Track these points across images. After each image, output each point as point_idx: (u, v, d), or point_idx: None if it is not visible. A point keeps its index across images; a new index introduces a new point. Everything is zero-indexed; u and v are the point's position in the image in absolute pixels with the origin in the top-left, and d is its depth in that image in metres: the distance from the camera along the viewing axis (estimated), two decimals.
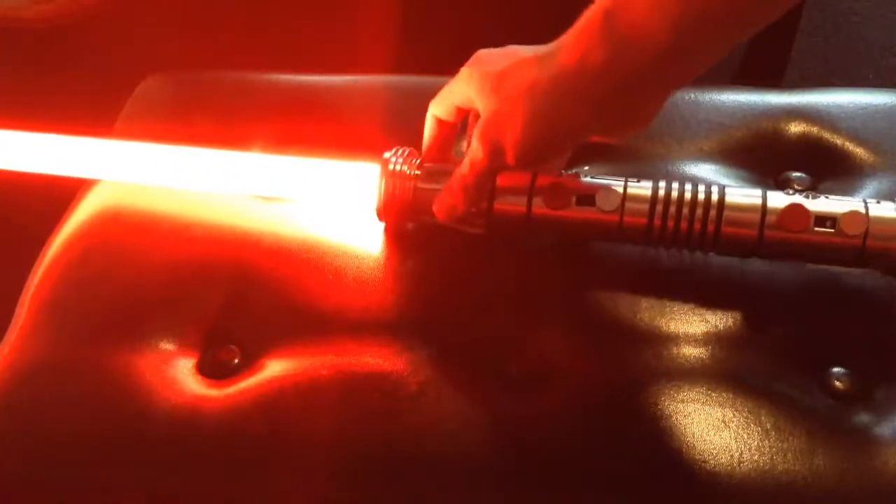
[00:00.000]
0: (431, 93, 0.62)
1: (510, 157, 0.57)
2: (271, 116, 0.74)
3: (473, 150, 0.58)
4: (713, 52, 0.51)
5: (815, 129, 0.70)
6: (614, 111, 0.55)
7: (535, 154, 0.57)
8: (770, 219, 0.57)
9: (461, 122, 0.63)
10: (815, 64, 1.42)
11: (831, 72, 1.41)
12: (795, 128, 0.70)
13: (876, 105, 0.72)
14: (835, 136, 0.70)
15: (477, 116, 0.59)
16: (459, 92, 0.60)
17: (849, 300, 0.61)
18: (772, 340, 0.60)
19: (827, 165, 0.69)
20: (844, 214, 0.57)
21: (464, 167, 0.59)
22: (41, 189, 0.67)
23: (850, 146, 0.69)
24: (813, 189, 0.68)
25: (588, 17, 0.52)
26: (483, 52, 0.59)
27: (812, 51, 1.43)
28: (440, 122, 0.63)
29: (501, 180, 0.61)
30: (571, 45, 0.53)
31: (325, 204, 0.67)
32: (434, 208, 0.61)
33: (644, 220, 0.59)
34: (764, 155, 0.69)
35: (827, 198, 0.58)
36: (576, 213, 0.60)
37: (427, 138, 0.64)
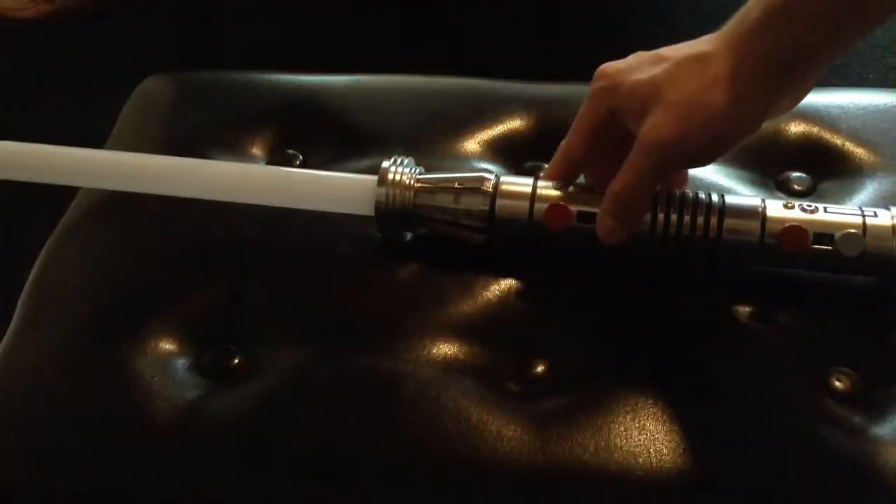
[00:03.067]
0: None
1: (686, 160, 0.55)
2: (271, 116, 0.74)
3: (637, 160, 0.54)
4: (886, 17, 0.51)
5: (815, 129, 0.70)
6: (792, 95, 0.55)
7: (714, 153, 0.55)
8: (770, 231, 0.58)
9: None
10: None
11: (831, 72, 1.41)
12: (796, 128, 0.70)
13: (876, 105, 0.72)
14: (835, 136, 0.70)
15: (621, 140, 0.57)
16: (598, 111, 0.57)
17: (849, 300, 0.61)
18: (772, 340, 0.60)
19: (827, 165, 0.69)
20: (842, 236, 0.57)
21: (623, 183, 0.56)
22: (41, 189, 0.67)
23: (851, 146, 0.69)
24: (814, 190, 0.68)
25: (762, 7, 0.52)
26: (609, 66, 0.57)
27: None
28: (577, 153, 0.60)
29: (504, 189, 0.60)
30: (748, 37, 0.52)
31: (324, 211, 0.66)
32: (599, 234, 0.57)
33: (646, 229, 0.59)
34: (764, 155, 0.69)
35: (826, 210, 0.58)
36: (578, 225, 0.59)
37: (558, 176, 0.60)
